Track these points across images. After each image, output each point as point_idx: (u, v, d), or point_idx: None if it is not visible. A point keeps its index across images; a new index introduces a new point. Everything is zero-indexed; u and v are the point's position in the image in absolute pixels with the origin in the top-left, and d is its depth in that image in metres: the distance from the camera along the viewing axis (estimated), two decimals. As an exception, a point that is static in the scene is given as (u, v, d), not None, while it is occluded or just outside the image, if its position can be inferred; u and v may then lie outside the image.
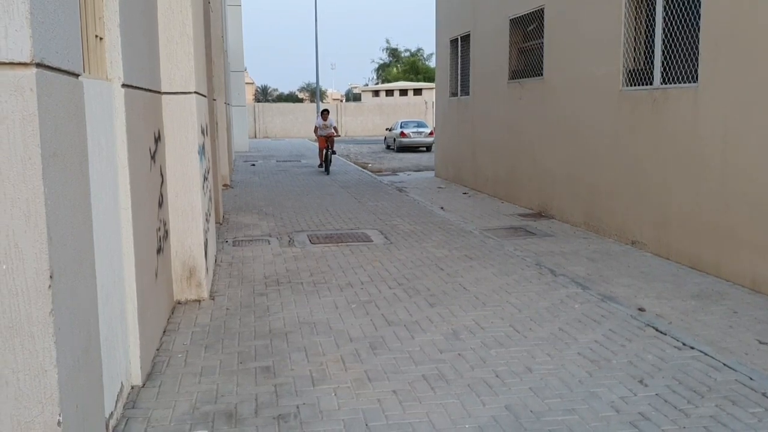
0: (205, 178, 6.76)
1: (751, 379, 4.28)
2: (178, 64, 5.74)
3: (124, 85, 4.07)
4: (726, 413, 3.82)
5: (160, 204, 5.38)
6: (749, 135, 6.38)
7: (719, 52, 6.76)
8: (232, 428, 3.67)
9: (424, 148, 30.20)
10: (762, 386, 4.17)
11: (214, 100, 10.36)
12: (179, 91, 5.79)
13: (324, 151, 18.75)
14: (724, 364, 4.50)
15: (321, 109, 19.88)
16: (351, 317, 5.62)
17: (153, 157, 5.10)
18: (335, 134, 19.31)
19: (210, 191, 7.49)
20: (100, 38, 3.86)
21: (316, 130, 19.70)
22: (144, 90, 4.81)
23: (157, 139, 5.37)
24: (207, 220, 6.65)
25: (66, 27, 2.63)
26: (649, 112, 7.95)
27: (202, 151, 6.38)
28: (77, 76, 2.82)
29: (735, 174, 6.57)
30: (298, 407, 3.93)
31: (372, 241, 8.79)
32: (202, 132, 6.62)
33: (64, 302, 2.50)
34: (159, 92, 5.61)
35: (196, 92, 5.93)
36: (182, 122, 5.83)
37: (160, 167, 5.47)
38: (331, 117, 20.72)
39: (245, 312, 5.77)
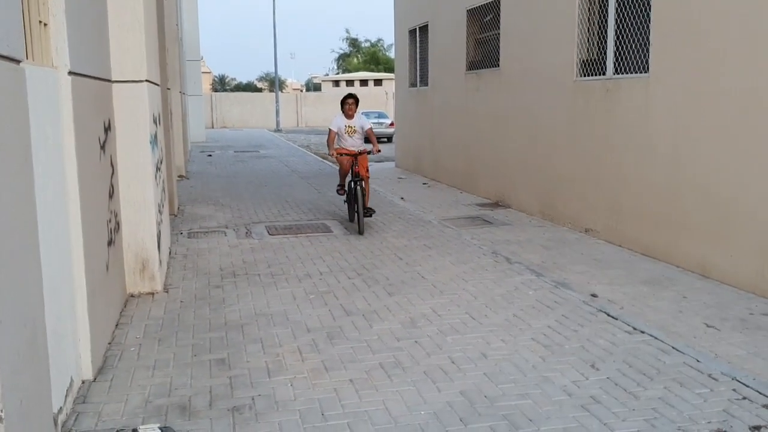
0: (158, 169, 6.65)
1: (698, 361, 4.40)
2: (129, 51, 5.62)
3: (71, 73, 3.97)
4: (674, 395, 3.92)
5: (111, 195, 5.27)
6: (697, 124, 6.53)
7: (669, 42, 6.90)
8: (186, 421, 3.63)
9: (385, 139, 30.12)
10: (708, 368, 4.29)
11: (168, 89, 10.17)
12: (130, 79, 5.67)
13: (351, 185, 8.81)
14: (673, 348, 4.62)
15: (343, 96, 9.14)
16: (309, 308, 5.60)
17: (103, 147, 4.99)
18: (372, 149, 8.75)
19: (164, 182, 7.37)
20: (45, 24, 3.75)
21: (331, 138, 9.05)
22: (93, 78, 4.70)
23: (108, 128, 5.25)
24: (160, 212, 6.54)
25: (5, 10, 2.54)
26: (602, 102, 8.07)
27: (154, 140, 6.27)
28: (18, 62, 2.74)
29: (684, 162, 6.73)
30: (253, 398, 3.90)
31: (332, 231, 8.76)
32: (155, 121, 6.50)
33: (5, 295, 2.43)
34: (109, 81, 5.49)
35: (147, 81, 5.82)
36: (133, 111, 5.71)
37: (111, 157, 5.35)
38: (359, 114, 9.16)
39: (200, 304, 5.70)
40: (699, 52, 6.49)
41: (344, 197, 9.42)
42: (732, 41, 6.09)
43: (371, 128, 9.00)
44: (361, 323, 5.19)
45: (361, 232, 8.41)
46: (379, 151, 8.70)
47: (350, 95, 8.92)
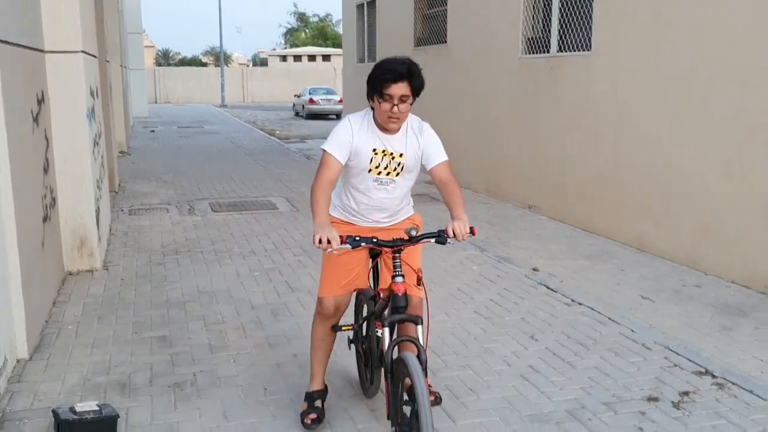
0: (96, 144, 6.46)
1: (632, 331, 4.55)
2: (63, 21, 5.41)
3: (-2, 41, 3.80)
4: (609, 364, 4.05)
5: (46, 170, 5.10)
6: (637, 101, 6.69)
7: (610, 19, 7.02)
8: (126, 398, 3.58)
9: (334, 116, 29.95)
10: (642, 338, 4.44)
11: (108, 62, 9.86)
12: (65, 50, 5.46)
13: (371, 332, 3.26)
14: (610, 318, 4.77)
15: (380, 66, 2.93)
16: (253, 285, 5.56)
17: (36, 120, 4.81)
18: (450, 233, 2.87)
19: (102, 157, 7.17)
20: (-31, -11, 3.57)
21: (325, 179, 3.03)
22: (23, 47, 4.51)
23: (41, 100, 5.06)
24: (99, 188, 6.37)
25: None
26: (546, 79, 8.18)
27: (91, 114, 6.08)
28: (-63, 27, 2.60)
29: (624, 139, 6.89)
30: (194, 375, 3.87)
31: (278, 208, 8.69)
32: (92, 94, 6.30)
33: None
34: (42, 51, 5.28)
35: (83, 52, 5.62)
36: (69, 83, 5.51)
37: (45, 131, 5.17)
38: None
39: (141, 282, 5.60)
40: (639, 29, 6.63)
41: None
42: (671, 19, 6.24)
43: (447, 163, 3.20)
44: (306, 299, 5.18)
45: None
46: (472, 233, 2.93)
47: (397, 69, 2.92)
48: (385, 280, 3.18)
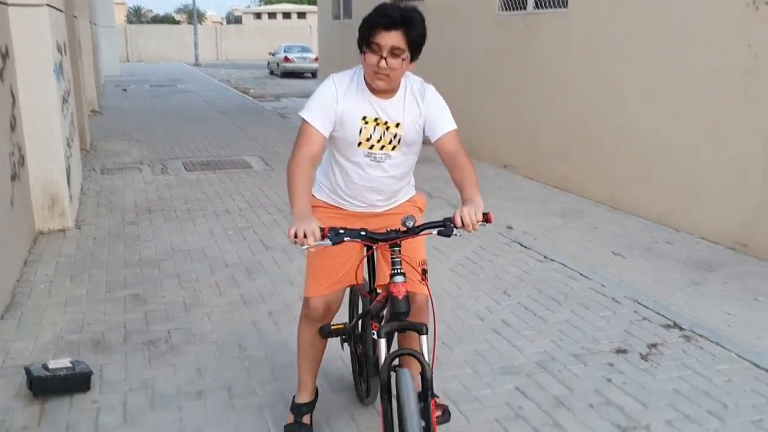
0: (66, 101, 6.32)
1: (603, 286, 4.62)
2: (26, -28, 5.23)
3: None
4: (579, 317, 4.12)
5: (13, 127, 4.99)
6: (612, 59, 6.68)
7: (587, -23, 6.96)
8: (99, 355, 3.57)
9: (309, 74, 29.56)
10: (612, 292, 4.52)
11: (75, 17, 9.59)
12: (29, 3, 5.29)
13: (365, 337, 2.80)
14: (581, 274, 4.84)
15: (371, 14, 2.37)
16: (228, 243, 5.53)
17: (0, 76, 4.68)
18: (453, 225, 2.30)
19: (72, 115, 7.03)
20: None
21: (304, 154, 2.43)
22: (-16, -1, 4.36)
23: (5, 55, 4.92)
24: (69, 146, 6.25)
25: None
26: (522, 37, 8.13)
27: (59, 70, 5.93)
28: None
29: (600, 99, 6.90)
30: (169, 332, 3.86)
31: (252, 167, 8.62)
32: (60, 50, 6.14)
33: None
34: (5, 3, 5.11)
35: (48, 5, 5.46)
36: (34, 37, 5.36)
37: (10, 87, 5.04)
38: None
39: (114, 241, 5.55)
40: (615, -13, 6.58)
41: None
42: (646, -23, 6.20)
43: (456, 132, 2.61)
44: (281, 257, 5.18)
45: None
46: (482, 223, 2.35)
47: (390, 14, 2.35)
48: (383, 275, 2.60)
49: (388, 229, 2.35)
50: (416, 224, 2.33)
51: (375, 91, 2.49)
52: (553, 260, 5.13)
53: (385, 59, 2.35)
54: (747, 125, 5.27)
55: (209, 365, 3.49)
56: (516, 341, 3.79)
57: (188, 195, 7.11)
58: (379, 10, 2.37)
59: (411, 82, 2.56)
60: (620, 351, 3.69)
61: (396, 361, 2.34)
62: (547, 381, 3.37)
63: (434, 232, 2.32)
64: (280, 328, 3.94)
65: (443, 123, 2.56)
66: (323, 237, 2.18)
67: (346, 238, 2.24)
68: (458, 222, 2.26)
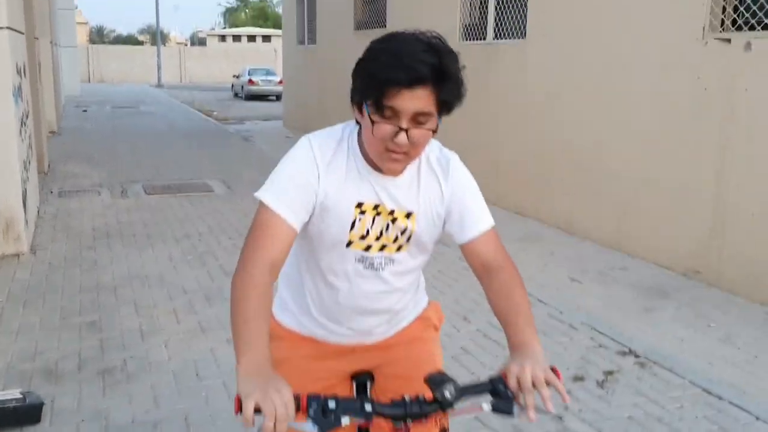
0: (24, 124, 6.23)
1: (560, 312, 4.70)
2: (-16, -6, 5.18)
3: None
4: (537, 344, 4.17)
5: (-33, 150, 4.89)
6: (566, 88, 6.86)
7: (544, 7, 7.16)
8: (52, 385, 3.50)
9: (274, 97, 29.51)
10: (569, 318, 4.59)
11: (36, 38, 9.48)
12: (-14, 25, 5.24)
13: None
14: (539, 300, 4.91)
15: (377, 44, 1.61)
16: (187, 269, 5.48)
17: (-45, 98, 4.60)
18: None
19: (30, 137, 6.92)
20: None
21: (257, 256, 1.59)
22: (-61, 22, 4.30)
23: (-40, 78, 4.84)
24: (26, 169, 6.15)
25: None
26: (483, 66, 8.28)
27: (18, 93, 5.85)
28: None
29: (554, 125, 7.06)
30: (125, 360, 3.81)
31: (213, 191, 8.57)
32: (18, 72, 6.06)
33: None
34: (-39, 26, 5.04)
35: (9, 27, 5.40)
36: (-9, 60, 5.29)
37: (-35, 110, 4.95)
38: None
39: (70, 266, 5.45)
40: (570, 16, 6.78)
41: None
42: (600, 5, 6.40)
43: (495, 233, 1.76)
44: (241, 283, 5.14)
45: None
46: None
47: (414, 65, 1.49)
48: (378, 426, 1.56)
49: (404, 396, 1.41)
50: (455, 389, 1.39)
51: (374, 164, 1.64)
52: (511, 286, 5.19)
53: (406, 131, 1.52)
54: (697, 153, 5.44)
55: (166, 394, 3.44)
56: (475, 369, 3.82)
57: (148, 219, 7.04)
58: (394, 54, 1.52)
59: (428, 150, 1.71)
60: (577, 378, 3.75)
61: None
62: (504, 408, 3.40)
63: (484, 406, 1.44)
64: (239, 355, 3.91)
65: (478, 217, 1.71)
66: (299, 410, 1.29)
67: (344, 420, 1.32)
68: (514, 385, 1.42)
